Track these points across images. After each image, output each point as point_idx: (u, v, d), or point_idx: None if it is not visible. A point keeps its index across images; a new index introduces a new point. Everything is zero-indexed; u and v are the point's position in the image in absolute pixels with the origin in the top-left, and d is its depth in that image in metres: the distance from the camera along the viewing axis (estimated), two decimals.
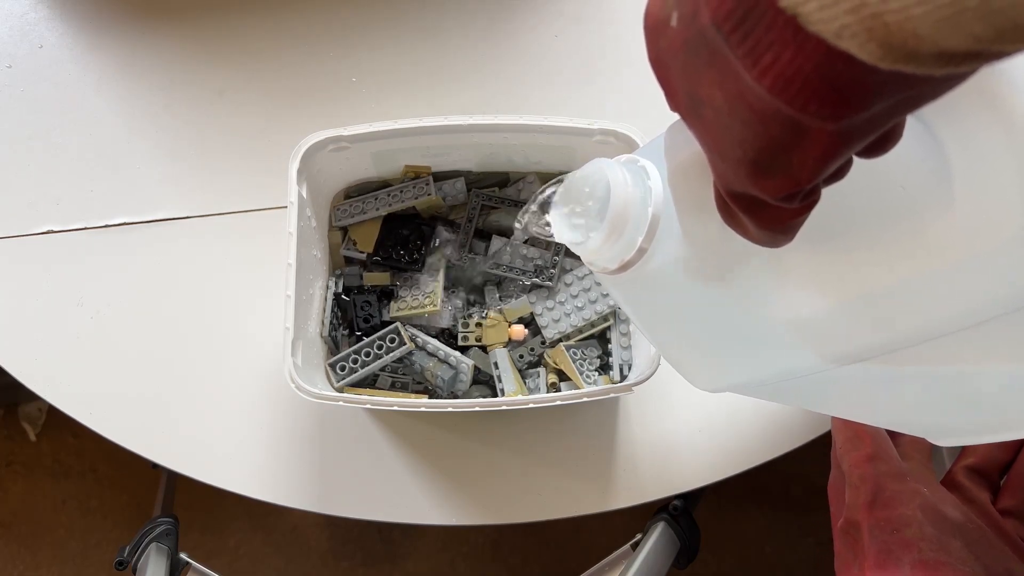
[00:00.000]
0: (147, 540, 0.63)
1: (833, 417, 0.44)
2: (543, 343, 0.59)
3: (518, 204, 0.61)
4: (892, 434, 0.44)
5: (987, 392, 0.31)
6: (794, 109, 0.20)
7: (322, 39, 0.70)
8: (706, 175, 0.27)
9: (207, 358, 0.63)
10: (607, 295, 0.58)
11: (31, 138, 0.68)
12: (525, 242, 0.60)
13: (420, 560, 1.14)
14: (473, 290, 0.61)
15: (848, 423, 0.43)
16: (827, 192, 0.25)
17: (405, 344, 0.56)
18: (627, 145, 0.54)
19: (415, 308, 0.58)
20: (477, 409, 0.51)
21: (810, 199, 0.25)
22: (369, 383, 0.59)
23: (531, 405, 0.52)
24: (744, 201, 0.25)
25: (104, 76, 0.69)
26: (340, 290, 0.59)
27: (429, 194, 0.59)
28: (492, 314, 0.59)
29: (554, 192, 0.35)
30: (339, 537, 1.16)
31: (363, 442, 0.61)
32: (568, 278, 0.59)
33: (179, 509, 0.73)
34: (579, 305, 0.59)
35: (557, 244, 0.60)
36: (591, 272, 0.59)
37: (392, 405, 0.51)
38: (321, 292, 0.58)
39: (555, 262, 0.60)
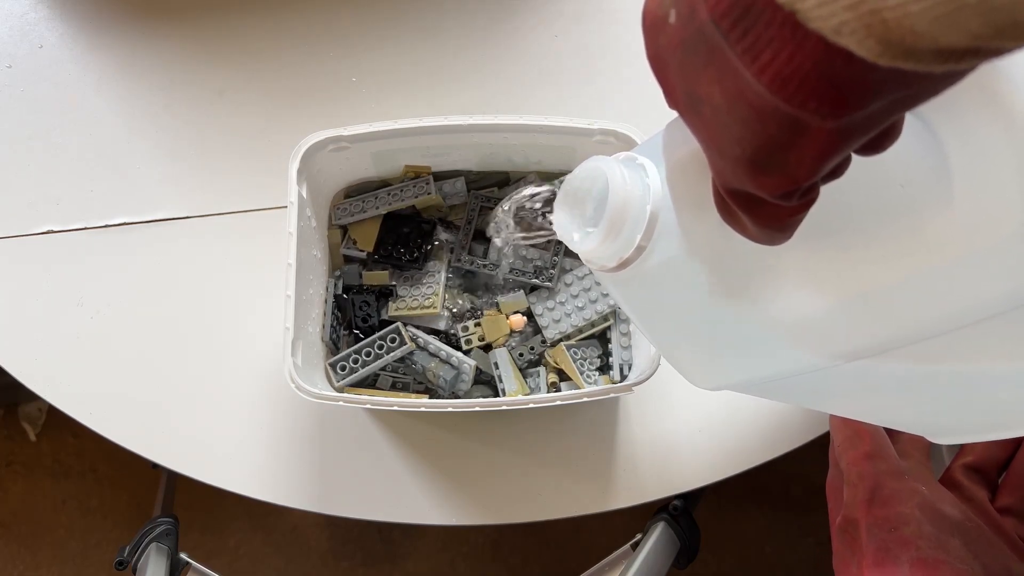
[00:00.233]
0: (147, 540, 0.63)
1: (832, 415, 0.44)
2: (543, 342, 0.59)
3: None
4: (891, 432, 0.44)
5: (985, 390, 0.31)
6: (793, 107, 0.20)
7: (322, 39, 0.70)
8: (705, 173, 0.27)
9: (207, 358, 0.63)
10: (607, 295, 0.58)
11: (31, 138, 0.68)
12: (524, 241, 0.60)
13: (420, 560, 1.14)
14: (471, 288, 0.61)
15: (847, 421, 0.43)
16: (826, 190, 0.25)
17: (406, 344, 0.56)
18: (627, 145, 0.54)
19: (415, 309, 0.58)
20: (477, 409, 0.51)
21: (808, 197, 0.25)
22: (369, 383, 0.59)
23: (531, 405, 0.52)
24: (742, 199, 0.25)
25: (104, 76, 0.70)
26: (340, 291, 0.59)
27: (429, 194, 0.59)
28: (488, 312, 0.59)
29: (524, 198, 0.35)
30: (339, 537, 1.16)
31: (363, 442, 0.61)
32: (568, 278, 0.59)
33: (179, 509, 0.73)
34: (579, 305, 0.59)
35: (557, 244, 0.60)
36: (591, 272, 0.59)
37: (392, 405, 0.51)
38: (321, 294, 0.58)
39: (555, 262, 0.60)
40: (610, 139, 0.54)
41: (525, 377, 0.58)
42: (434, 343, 0.58)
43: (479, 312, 0.60)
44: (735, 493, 1.16)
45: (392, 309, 0.59)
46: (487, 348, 0.59)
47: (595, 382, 0.57)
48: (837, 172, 0.24)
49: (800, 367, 0.32)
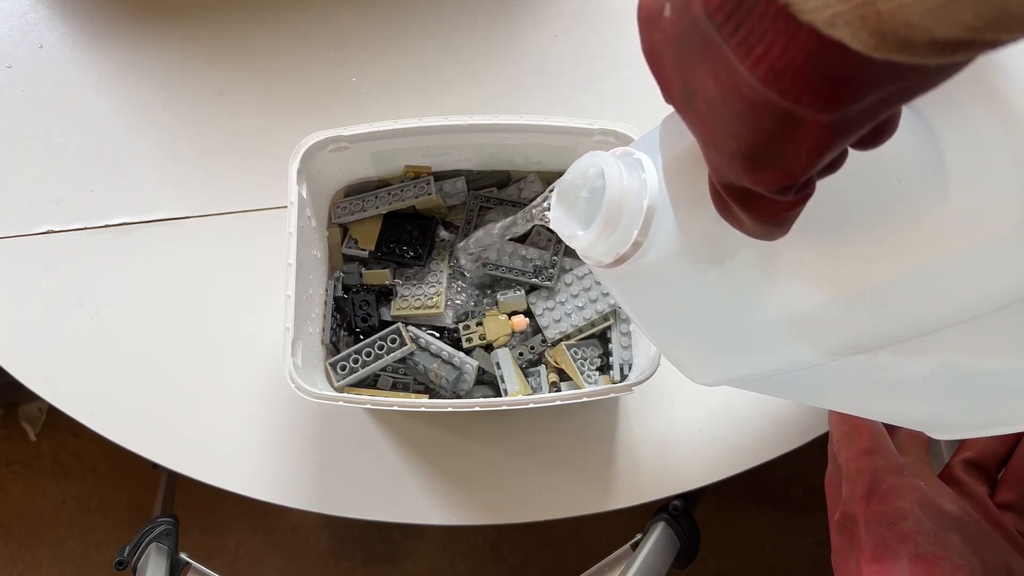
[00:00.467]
0: (147, 540, 0.63)
1: (830, 411, 0.44)
2: (544, 342, 0.59)
3: (516, 204, 0.61)
4: (890, 428, 0.44)
5: (985, 386, 0.31)
6: (787, 100, 0.20)
7: (322, 39, 0.70)
8: (701, 168, 0.27)
9: (207, 358, 0.63)
10: (607, 294, 0.58)
11: (31, 138, 0.68)
12: (520, 240, 0.60)
13: (420, 560, 1.14)
14: (473, 285, 0.61)
15: (845, 417, 0.43)
16: (822, 185, 0.25)
17: (406, 344, 0.56)
18: (627, 145, 0.54)
19: (417, 308, 0.58)
20: (477, 409, 0.51)
21: (804, 192, 0.25)
22: (369, 383, 0.59)
23: (531, 405, 0.52)
24: (739, 194, 0.25)
25: (104, 76, 0.70)
26: (340, 292, 0.59)
27: (429, 193, 0.59)
28: (490, 311, 0.59)
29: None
30: (339, 537, 1.16)
31: (363, 442, 0.61)
32: (568, 278, 0.59)
33: (179, 509, 0.73)
34: (579, 305, 0.59)
35: (557, 244, 0.60)
36: (591, 272, 0.59)
37: (392, 405, 0.51)
38: (321, 295, 0.58)
39: (555, 262, 0.60)
40: (610, 139, 0.54)
41: (526, 377, 0.58)
42: (436, 344, 0.58)
43: (482, 312, 0.60)
44: (735, 493, 1.16)
45: (395, 309, 0.59)
46: (488, 348, 0.59)
47: (595, 382, 0.57)
48: (834, 166, 0.24)
49: (797, 362, 0.32)
